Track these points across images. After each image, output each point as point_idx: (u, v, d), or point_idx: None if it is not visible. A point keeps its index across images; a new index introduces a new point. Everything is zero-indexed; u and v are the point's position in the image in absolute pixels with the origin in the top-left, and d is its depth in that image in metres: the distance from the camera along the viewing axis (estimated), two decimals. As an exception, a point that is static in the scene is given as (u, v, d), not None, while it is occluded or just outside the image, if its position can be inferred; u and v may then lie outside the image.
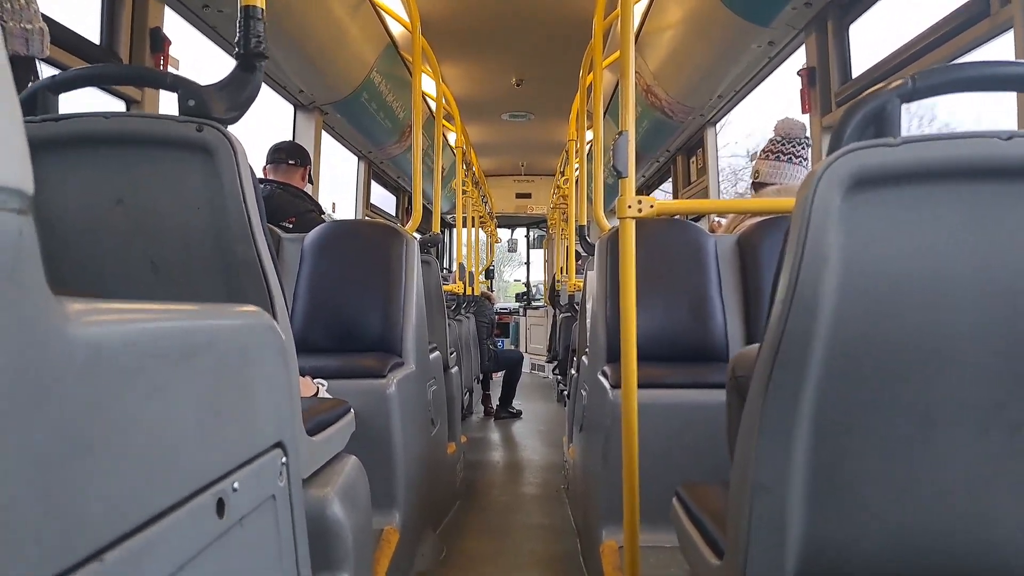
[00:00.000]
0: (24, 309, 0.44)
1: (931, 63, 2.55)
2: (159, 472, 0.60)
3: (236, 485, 0.73)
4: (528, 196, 11.22)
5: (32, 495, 0.44)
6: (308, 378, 1.93)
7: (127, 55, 2.73)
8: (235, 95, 1.33)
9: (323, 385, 1.97)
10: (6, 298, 0.42)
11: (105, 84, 2.50)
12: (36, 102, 1.34)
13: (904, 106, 1.02)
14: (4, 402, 0.42)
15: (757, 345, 1.59)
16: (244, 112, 1.35)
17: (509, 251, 13.70)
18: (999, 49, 2.29)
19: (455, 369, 4.07)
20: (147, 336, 0.59)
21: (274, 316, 1.28)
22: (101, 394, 0.52)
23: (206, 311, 0.74)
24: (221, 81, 1.34)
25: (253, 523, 0.78)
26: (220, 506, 0.69)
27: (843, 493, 0.98)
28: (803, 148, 3.04)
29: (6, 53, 0.44)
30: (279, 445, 0.88)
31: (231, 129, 1.29)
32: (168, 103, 2.99)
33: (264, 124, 4.80)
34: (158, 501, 0.59)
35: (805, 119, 3.45)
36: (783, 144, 3.03)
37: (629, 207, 1.73)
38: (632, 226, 1.75)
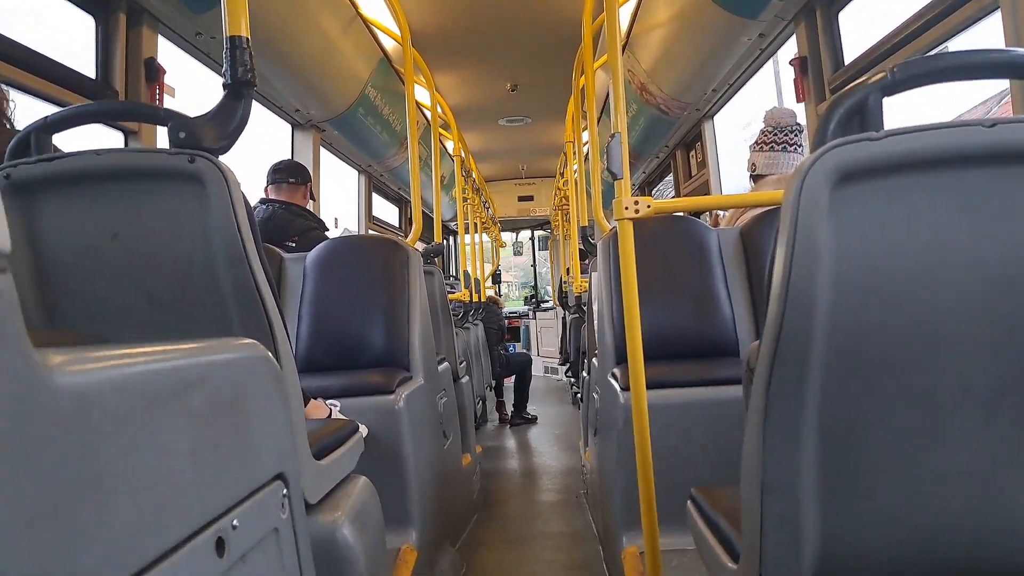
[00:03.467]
0: (6, 366, 0.44)
1: (921, 47, 2.54)
2: (155, 515, 0.59)
3: (236, 522, 0.72)
4: (531, 199, 11.23)
5: (23, 553, 0.44)
6: (321, 400, 1.93)
7: (122, 86, 2.74)
8: (225, 124, 1.33)
9: (335, 407, 1.96)
10: None
11: (98, 121, 2.51)
12: (29, 144, 1.35)
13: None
14: None
15: None
16: (234, 141, 1.36)
17: (515, 254, 13.70)
18: (990, 29, 2.28)
19: (465, 379, 4.05)
20: (134, 379, 0.58)
21: (274, 343, 1.28)
22: (90, 442, 0.51)
23: (197, 349, 0.74)
24: (210, 111, 1.34)
25: (255, 559, 0.78)
26: (220, 545, 0.69)
27: (853, 488, 0.98)
28: (796, 135, 3.03)
29: None
30: (280, 477, 0.88)
31: (223, 158, 1.30)
32: (164, 134, 3.00)
33: (264, 143, 4.82)
34: (155, 545, 0.59)
35: (800, 108, 3.44)
36: (775, 134, 3.02)
37: (626, 208, 1.72)
38: (630, 227, 1.74)
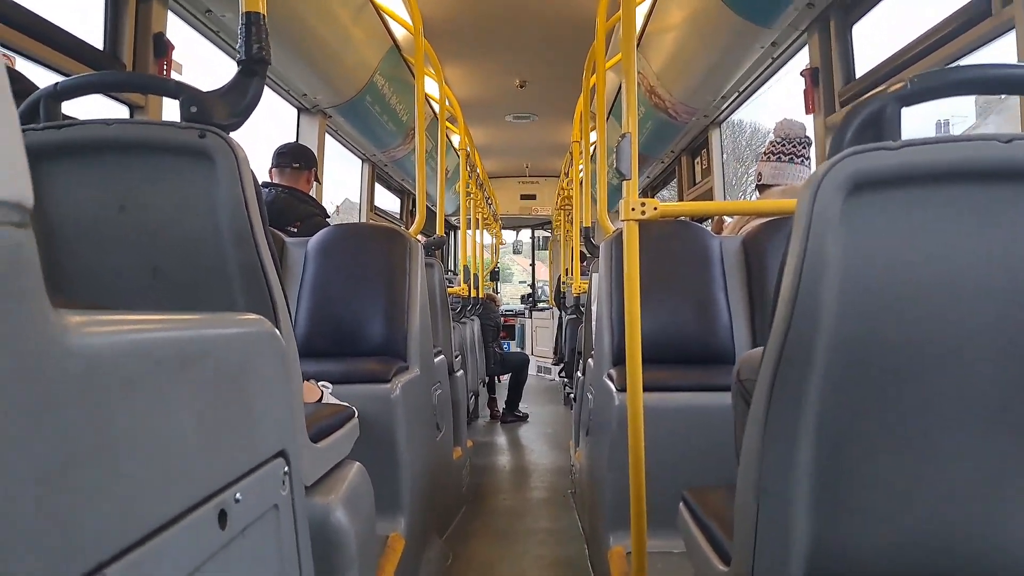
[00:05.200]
0: (24, 321, 0.44)
1: (934, 63, 2.54)
2: (160, 483, 0.59)
3: (238, 496, 0.72)
4: (533, 197, 11.21)
5: (32, 509, 0.44)
6: (312, 382, 1.92)
7: (130, 60, 2.73)
8: (237, 101, 1.33)
9: (327, 388, 1.96)
10: (6, 311, 0.42)
11: (109, 91, 2.50)
12: (38, 110, 1.34)
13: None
14: (4, 414, 0.42)
15: (762, 348, 1.59)
16: (246, 118, 1.35)
17: (514, 252, 13.69)
18: (1002, 49, 2.28)
19: (460, 373, 4.06)
20: (146, 346, 0.58)
21: (276, 322, 1.27)
22: (101, 405, 0.51)
23: (205, 320, 0.73)
24: (223, 87, 1.33)
25: (255, 533, 0.78)
26: (222, 517, 0.69)
27: (849, 497, 0.98)
28: (804, 147, 3.03)
29: (3, 68, 0.44)
30: (281, 454, 0.88)
31: (233, 135, 1.29)
32: (171, 109, 2.99)
33: (269, 125, 4.80)
34: (160, 513, 0.59)
35: (809, 119, 3.45)
36: (784, 145, 3.02)
37: (632, 209, 1.72)
38: (636, 228, 1.74)
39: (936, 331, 0.92)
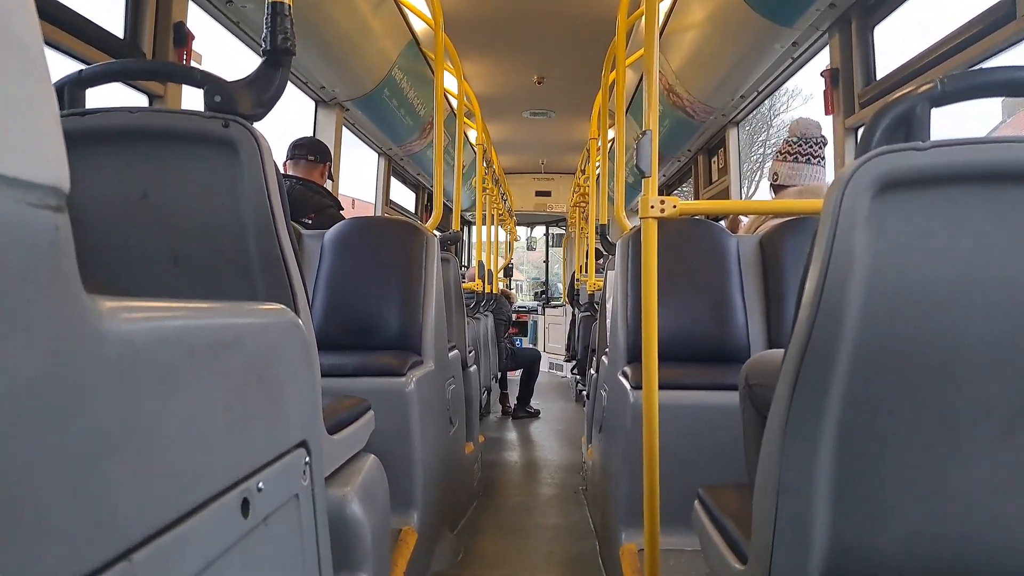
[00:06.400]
0: (61, 306, 0.44)
1: (956, 66, 2.52)
2: (187, 471, 0.60)
3: (261, 485, 0.73)
4: (548, 194, 11.19)
5: (65, 494, 0.44)
6: None
7: (150, 49, 2.73)
8: (261, 92, 1.33)
9: None
10: (44, 295, 0.43)
11: (133, 79, 2.50)
12: (63, 97, 1.35)
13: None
14: (41, 399, 0.42)
15: (770, 352, 1.58)
16: (270, 109, 1.35)
17: (528, 249, 13.67)
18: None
19: (473, 368, 4.06)
20: (178, 334, 0.59)
21: (296, 313, 1.28)
22: (133, 392, 0.52)
23: (233, 309, 0.74)
24: (247, 77, 1.34)
25: (277, 523, 0.78)
26: (245, 506, 0.69)
27: (868, 497, 0.98)
28: (820, 148, 3.02)
29: (44, 53, 0.44)
30: (303, 444, 0.88)
31: (256, 125, 1.30)
32: (190, 98, 3.00)
33: (286, 119, 4.80)
34: (186, 500, 0.59)
35: (828, 120, 3.42)
36: (800, 144, 3.00)
37: (652, 207, 1.71)
38: (655, 226, 1.73)
39: (960, 333, 0.92)
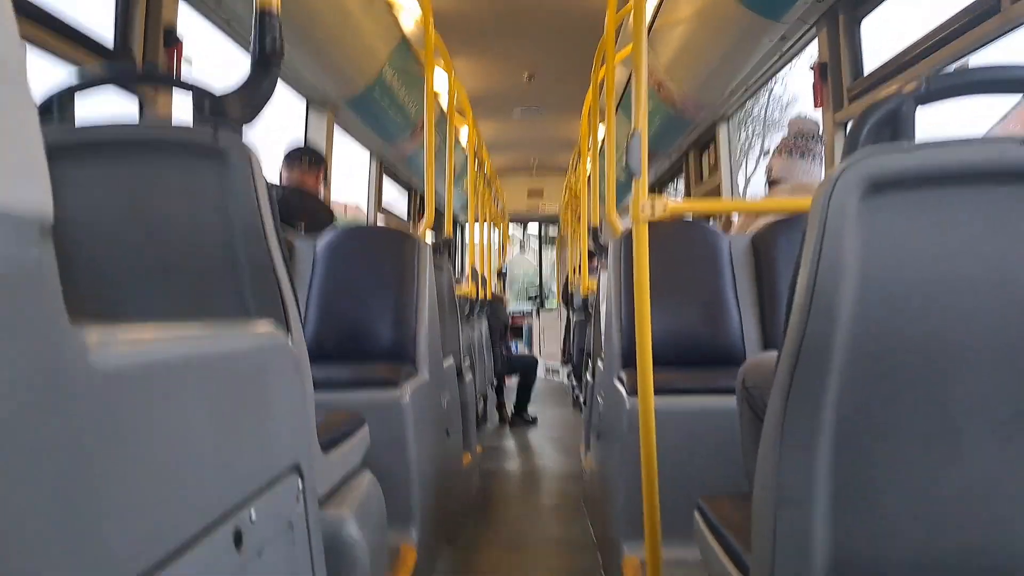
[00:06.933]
0: (44, 342, 0.43)
1: (942, 59, 2.52)
2: (178, 504, 0.58)
3: (253, 515, 0.71)
4: (540, 194, 11.15)
5: (53, 536, 0.43)
6: None
7: (140, 53, 2.72)
8: (250, 97, 1.32)
9: None
10: (27, 332, 0.42)
11: (122, 84, 2.49)
12: (53, 105, 1.33)
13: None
14: (27, 435, 0.41)
15: (767, 354, 1.57)
16: (259, 113, 1.34)
17: (519, 250, 13.62)
18: (1011, 45, 2.27)
19: (469, 376, 4.02)
20: (165, 362, 0.58)
21: (287, 326, 1.26)
22: (120, 424, 0.51)
23: (221, 332, 0.72)
24: (237, 85, 1.33)
25: (270, 553, 0.76)
26: (238, 538, 0.68)
27: (870, 502, 0.97)
28: (815, 143, 3.01)
29: (27, 78, 0.43)
30: (295, 468, 0.87)
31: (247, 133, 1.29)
32: (180, 101, 2.97)
33: (277, 123, 4.77)
34: (177, 535, 0.58)
35: (818, 114, 3.42)
36: (795, 139, 3.00)
37: (643, 209, 1.69)
38: (646, 230, 1.71)
39: (953, 334, 0.91)
